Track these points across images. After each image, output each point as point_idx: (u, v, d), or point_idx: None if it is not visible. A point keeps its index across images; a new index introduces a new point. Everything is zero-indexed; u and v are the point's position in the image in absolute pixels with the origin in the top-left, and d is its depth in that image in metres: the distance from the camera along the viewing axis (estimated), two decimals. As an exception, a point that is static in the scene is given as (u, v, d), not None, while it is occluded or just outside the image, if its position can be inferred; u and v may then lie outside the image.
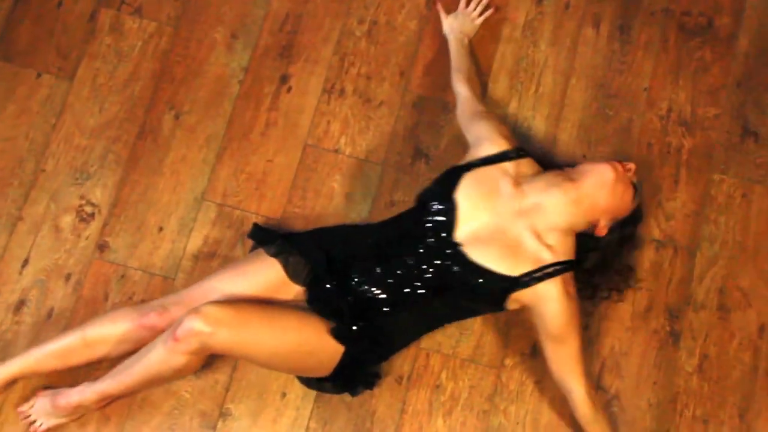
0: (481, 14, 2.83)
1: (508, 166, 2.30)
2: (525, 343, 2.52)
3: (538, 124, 2.77)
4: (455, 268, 2.25)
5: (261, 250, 2.37)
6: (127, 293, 2.57)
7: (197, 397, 2.39)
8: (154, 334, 2.21)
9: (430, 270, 2.26)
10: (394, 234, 2.39)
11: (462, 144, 2.71)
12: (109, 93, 2.76)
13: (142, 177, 2.68)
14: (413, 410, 2.39)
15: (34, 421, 2.40)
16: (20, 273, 2.56)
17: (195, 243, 2.62)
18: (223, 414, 2.36)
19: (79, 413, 2.38)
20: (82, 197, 2.65)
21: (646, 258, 2.63)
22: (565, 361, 2.21)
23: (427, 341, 2.41)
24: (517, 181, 2.24)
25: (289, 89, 2.78)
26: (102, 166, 2.68)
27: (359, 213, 2.66)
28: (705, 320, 2.60)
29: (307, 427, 2.37)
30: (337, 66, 2.80)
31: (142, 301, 2.51)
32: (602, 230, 2.25)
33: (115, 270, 2.58)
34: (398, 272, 2.28)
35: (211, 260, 2.59)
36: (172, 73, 2.80)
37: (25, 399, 2.45)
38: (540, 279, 2.20)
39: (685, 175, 2.72)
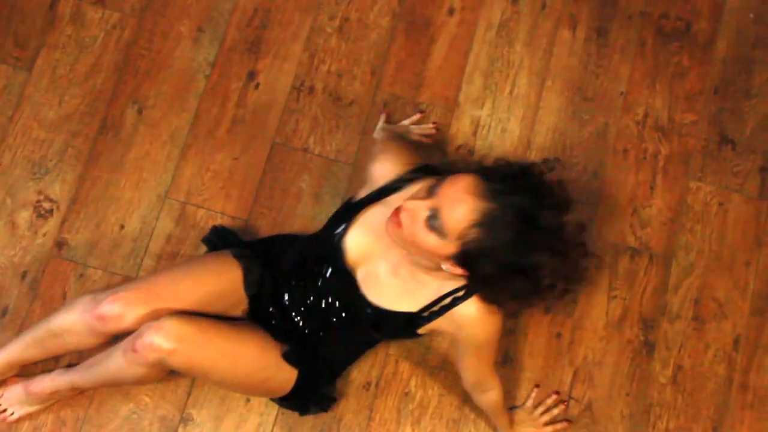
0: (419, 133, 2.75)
1: (394, 198, 2.15)
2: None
3: (512, 127, 2.77)
4: (357, 307, 2.25)
5: (223, 251, 2.37)
6: (86, 292, 2.45)
7: (158, 401, 2.37)
8: (108, 324, 2.16)
9: (336, 305, 2.26)
10: (310, 255, 2.36)
11: (436, 144, 2.75)
12: (70, 85, 2.73)
13: (103, 173, 2.66)
14: (381, 418, 2.38)
15: (5, 410, 2.40)
16: None
17: (157, 242, 2.60)
18: (184, 419, 2.34)
19: (53, 400, 2.39)
20: (40, 192, 2.63)
21: (620, 266, 2.64)
22: (484, 368, 2.20)
23: (396, 348, 2.40)
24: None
25: (257, 86, 2.77)
26: (61, 161, 2.66)
27: (327, 214, 2.46)
28: (680, 331, 2.61)
29: (272, 434, 2.34)
30: (307, 63, 2.79)
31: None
32: (454, 271, 2.01)
33: (73, 269, 2.57)
34: (308, 301, 2.29)
35: (173, 260, 2.60)
36: (135, 66, 2.77)
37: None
38: (440, 311, 2.15)
39: (661, 182, 2.73)
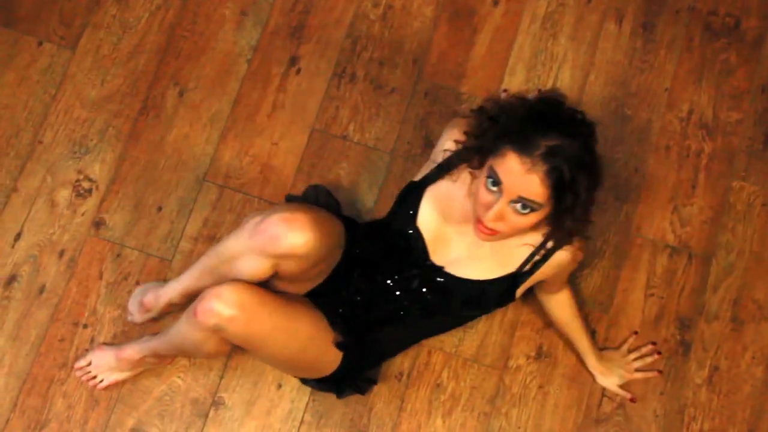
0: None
1: (457, 171, 2.23)
2: (530, 345, 2.56)
3: None
4: (449, 290, 2.28)
5: None
6: (122, 273, 2.58)
7: (190, 383, 2.41)
8: (277, 245, 2.19)
9: (423, 292, 2.29)
10: (376, 249, 2.38)
11: None
12: (112, 65, 2.76)
13: (143, 154, 2.69)
14: (412, 408, 2.41)
15: (95, 377, 2.46)
16: (12, 247, 2.58)
17: (194, 225, 2.62)
18: (216, 403, 2.38)
19: (141, 367, 2.44)
20: (79, 172, 2.66)
21: (659, 264, 2.64)
22: (560, 283, 2.36)
23: (430, 339, 2.42)
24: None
25: (299, 71, 2.78)
26: (102, 141, 2.69)
27: (364, 203, 2.68)
28: (717, 331, 2.61)
29: (302, 420, 2.39)
30: (349, 49, 2.80)
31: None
32: (542, 227, 2.12)
33: (110, 248, 2.59)
34: (387, 290, 2.31)
35: (209, 242, 2.60)
36: (178, 48, 2.79)
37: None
38: (540, 262, 2.20)
39: (704, 181, 2.73)
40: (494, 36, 2.82)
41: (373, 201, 2.69)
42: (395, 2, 2.85)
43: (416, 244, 2.24)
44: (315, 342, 2.32)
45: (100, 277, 2.56)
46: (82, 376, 2.49)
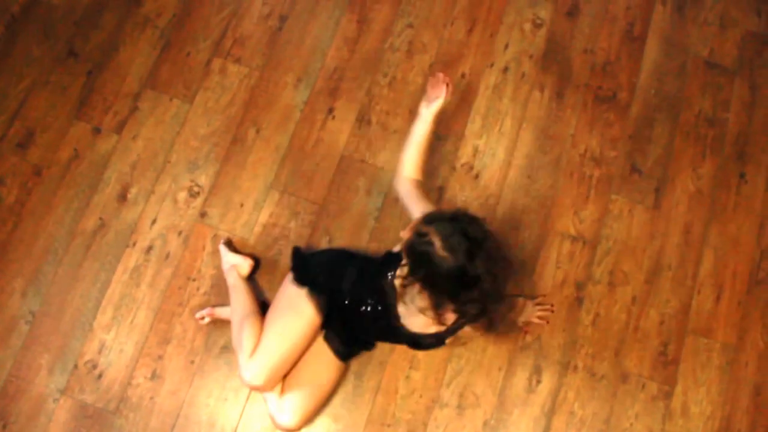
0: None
1: None
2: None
3: (499, 153, 3.03)
4: (402, 335, 2.41)
5: (301, 294, 2.55)
6: (217, 247, 2.90)
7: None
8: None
9: (381, 326, 2.42)
10: (366, 283, 2.46)
11: (448, 162, 3.00)
12: (215, 113, 3.08)
13: (232, 170, 3.00)
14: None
15: (202, 318, 2.82)
16: (150, 228, 2.94)
17: (264, 216, 2.94)
18: None
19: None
20: (192, 180, 2.99)
21: (564, 247, 2.92)
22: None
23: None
24: None
25: (334, 117, 3.06)
26: (206, 161, 3.01)
27: (375, 204, 2.93)
28: (599, 291, 2.91)
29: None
30: (367, 104, 3.08)
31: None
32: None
33: (210, 230, 2.93)
34: (361, 318, 2.48)
35: (273, 229, 2.92)
36: (256, 102, 3.09)
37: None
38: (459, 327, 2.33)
39: (594, 195, 3.00)
40: (461, 97, 3.12)
41: (381, 203, 2.94)
42: (398, 74, 3.13)
43: (384, 315, 2.37)
44: (338, 375, 2.67)
45: (203, 249, 2.92)
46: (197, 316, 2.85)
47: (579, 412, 2.82)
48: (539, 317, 2.86)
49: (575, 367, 2.86)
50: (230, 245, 2.92)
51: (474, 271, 1.95)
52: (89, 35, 3.20)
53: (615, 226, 3.01)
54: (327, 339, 2.65)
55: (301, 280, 2.57)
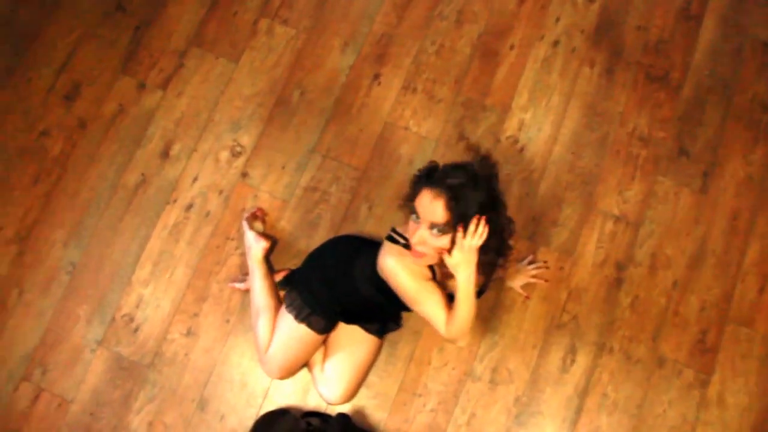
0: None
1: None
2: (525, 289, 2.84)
3: (545, 128, 2.98)
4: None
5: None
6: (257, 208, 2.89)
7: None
8: None
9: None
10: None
11: (493, 134, 2.92)
12: (260, 73, 3.06)
13: (275, 131, 2.99)
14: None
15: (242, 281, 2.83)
16: (191, 185, 2.94)
17: (305, 179, 2.94)
18: None
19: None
20: (235, 140, 2.98)
21: (606, 227, 2.86)
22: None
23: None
24: None
25: (379, 83, 3.04)
26: (250, 121, 3.00)
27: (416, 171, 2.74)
28: (640, 273, 2.84)
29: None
30: (413, 72, 3.05)
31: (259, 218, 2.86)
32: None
33: (250, 191, 2.94)
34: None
35: (313, 192, 2.91)
36: (302, 64, 3.07)
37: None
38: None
39: (639, 175, 2.93)
40: (509, 69, 3.05)
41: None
42: (445, 43, 3.08)
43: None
44: (374, 348, 2.72)
45: (243, 209, 2.91)
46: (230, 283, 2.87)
47: (612, 394, 2.76)
48: (535, 276, 2.82)
49: (611, 349, 2.79)
50: (256, 219, 2.89)
51: (495, 191, 2.09)
52: None
53: (660, 209, 2.93)
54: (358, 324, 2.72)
55: (297, 318, 2.60)
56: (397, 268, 2.17)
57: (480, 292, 2.35)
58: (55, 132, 3.00)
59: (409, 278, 2.18)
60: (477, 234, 2.05)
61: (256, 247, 2.77)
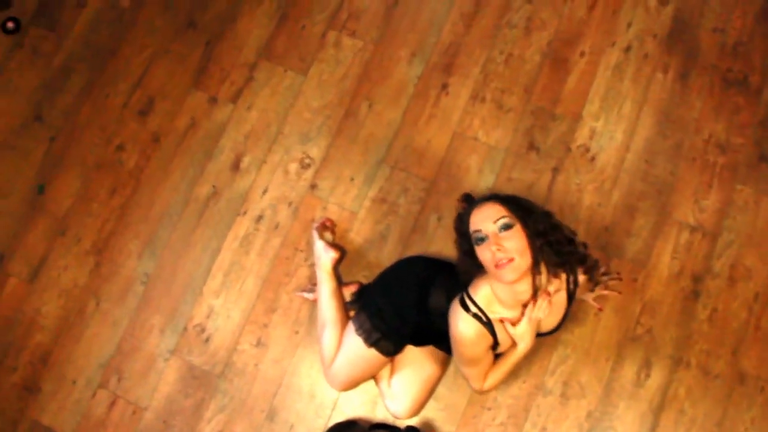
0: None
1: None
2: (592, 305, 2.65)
3: (617, 136, 2.90)
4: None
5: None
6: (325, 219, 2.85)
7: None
8: None
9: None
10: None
11: (564, 143, 2.88)
12: (328, 86, 3.06)
13: (344, 143, 2.98)
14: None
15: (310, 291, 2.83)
16: (261, 197, 2.95)
17: (373, 191, 2.92)
18: None
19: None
20: (304, 152, 2.99)
21: (682, 237, 2.76)
22: None
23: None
24: None
25: (447, 93, 3.00)
26: (318, 133, 3.00)
27: (486, 184, 2.85)
28: (717, 285, 2.73)
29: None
30: (482, 81, 3.01)
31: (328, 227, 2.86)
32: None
33: (319, 203, 2.93)
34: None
35: (382, 204, 2.89)
36: (370, 76, 3.06)
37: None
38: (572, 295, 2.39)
39: (717, 184, 2.83)
40: (580, 77, 2.98)
41: (492, 182, 2.85)
42: (514, 51, 3.03)
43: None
44: (443, 364, 2.68)
45: (312, 221, 2.91)
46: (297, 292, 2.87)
47: (689, 410, 2.63)
48: (607, 288, 2.73)
49: (688, 363, 2.67)
50: (326, 229, 2.88)
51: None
52: (208, 6, 3.23)
53: (739, 218, 2.81)
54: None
55: (367, 342, 2.55)
56: (467, 339, 2.21)
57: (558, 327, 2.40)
58: (130, 146, 3.06)
59: (473, 347, 2.24)
60: (542, 308, 2.18)
61: (325, 256, 2.74)
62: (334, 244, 2.82)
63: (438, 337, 2.49)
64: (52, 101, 3.16)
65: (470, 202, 2.23)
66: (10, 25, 3.25)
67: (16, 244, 3.02)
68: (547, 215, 2.19)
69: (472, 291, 2.23)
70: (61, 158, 3.09)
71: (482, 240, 2.07)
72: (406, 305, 2.51)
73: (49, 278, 2.97)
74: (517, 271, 2.06)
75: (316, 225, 2.84)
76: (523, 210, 2.10)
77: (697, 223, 2.81)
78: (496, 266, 2.05)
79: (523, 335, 2.23)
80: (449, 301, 2.30)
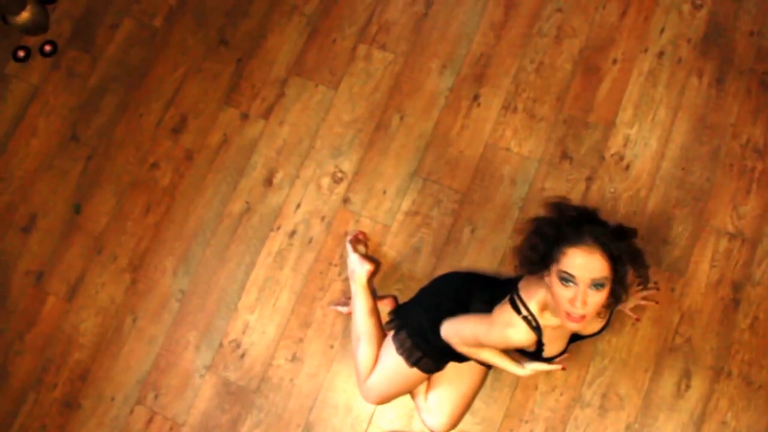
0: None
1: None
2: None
3: (651, 143, 2.86)
4: None
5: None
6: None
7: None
8: None
9: None
10: None
11: (597, 151, 2.85)
12: (359, 99, 3.06)
13: (375, 156, 2.98)
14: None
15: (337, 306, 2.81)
16: (294, 212, 2.95)
17: (406, 204, 2.90)
18: None
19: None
20: (336, 166, 2.98)
21: (721, 245, 2.71)
22: None
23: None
24: None
25: (479, 104, 2.98)
26: (350, 147, 3.00)
27: (519, 194, 2.83)
28: (759, 294, 2.67)
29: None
30: (513, 91, 2.99)
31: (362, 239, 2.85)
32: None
33: (352, 216, 2.92)
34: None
35: (415, 216, 2.87)
36: (400, 89, 3.05)
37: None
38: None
39: (755, 189, 2.78)
40: (612, 84, 2.94)
41: (525, 192, 2.83)
42: (545, 60, 3.00)
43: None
44: (480, 378, 2.64)
45: (346, 235, 2.89)
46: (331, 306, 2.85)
47: (732, 422, 2.56)
48: (645, 297, 2.67)
49: (729, 374, 2.61)
50: (359, 242, 2.86)
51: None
52: (239, 24, 3.24)
53: None
54: None
55: (408, 361, 2.50)
56: (511, 340, 2.16)
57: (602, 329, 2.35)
58: (164, 164, 3.07)
59: (508, 343, 2.19)
60: (552, 369, 2.24)
61: (360, 269, 2.71)
62: (368, 257, 2.81)
63: None
64: (88, 121, 3.19)
65: (572, 224, 2.04)
66: (47, 48, 3.30)
67: (54, 263, 3.05)
68: (637, 255, 2.07)
69: (524, 294, 2.16)
70: (96, 177, 3.11)
71: (569, 282, 1.98)
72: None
73: (86, 296, 2.99)
74: (583, 324, 2.03)
75: (349, 238, 2.83)
76: (620, 264, 2.01)
77: (736, 230, 2.75)
78: (568, 315, 2.00)
79: (526, 368, 2.25)
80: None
